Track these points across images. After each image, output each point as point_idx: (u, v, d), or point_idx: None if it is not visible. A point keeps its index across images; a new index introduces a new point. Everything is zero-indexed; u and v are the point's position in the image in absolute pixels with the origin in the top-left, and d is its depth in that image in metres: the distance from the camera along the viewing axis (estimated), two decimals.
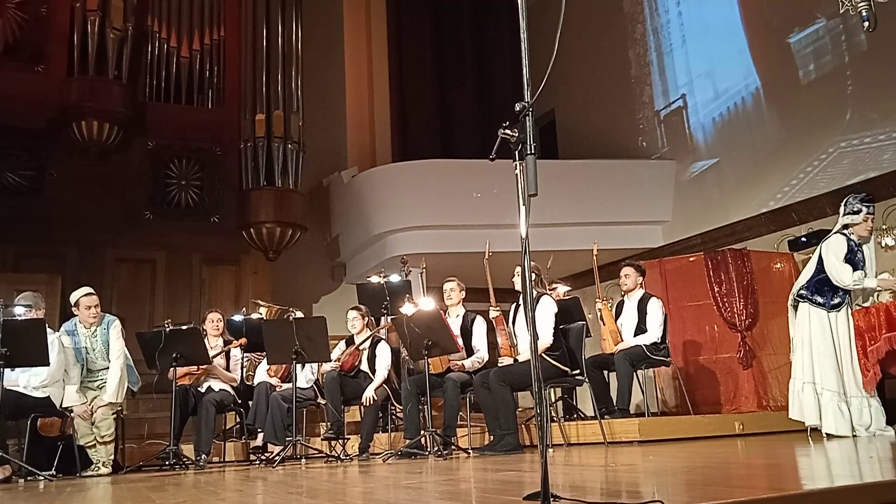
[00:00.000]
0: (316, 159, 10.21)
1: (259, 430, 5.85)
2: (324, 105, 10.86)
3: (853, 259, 4.75)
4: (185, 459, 5.45)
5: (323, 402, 6.03)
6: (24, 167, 8.59)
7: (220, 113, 9.60)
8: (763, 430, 5.67)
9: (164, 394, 5.76)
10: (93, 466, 5.15)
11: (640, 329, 5.93)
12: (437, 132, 12.29)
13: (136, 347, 5.58)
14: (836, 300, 4.80)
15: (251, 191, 9.37)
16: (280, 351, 5.58)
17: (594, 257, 6.34)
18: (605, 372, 6.06)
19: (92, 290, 5.45)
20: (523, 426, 5.56)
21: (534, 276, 5.25)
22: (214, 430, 5.85)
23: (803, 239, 7.76)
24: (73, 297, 5.43)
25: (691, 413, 6.14)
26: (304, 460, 5.53)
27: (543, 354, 5.14)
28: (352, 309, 6.08)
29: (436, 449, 5.01)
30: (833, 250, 4.78)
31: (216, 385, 5.92)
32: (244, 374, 6.35)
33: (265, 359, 6.05)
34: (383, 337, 6.24)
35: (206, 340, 5.89)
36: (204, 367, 5.82)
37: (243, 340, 6.25)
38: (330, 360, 5.78)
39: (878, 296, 4.92)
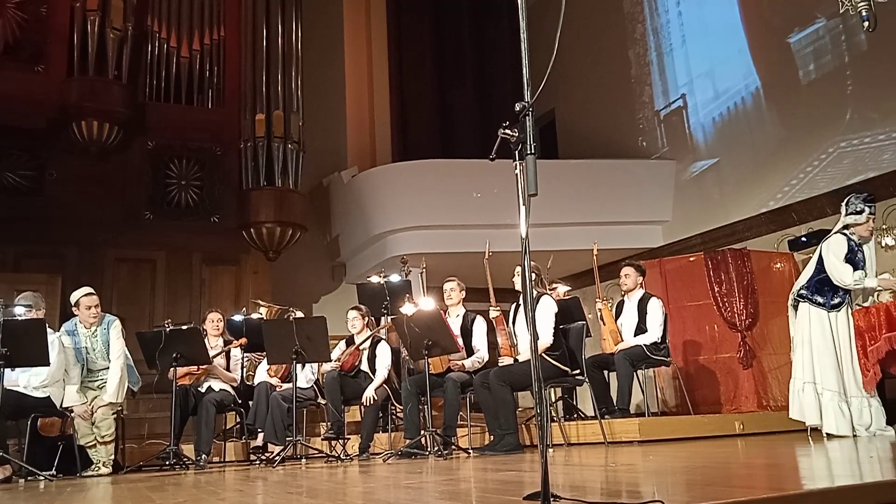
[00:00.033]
0: (316, 159, 10.21)
1: (259, 430, 5.85)
2: (324, 105, 10.86)
3: (853, 259, 4.76)
4: (185, 459, 5.45)
5: (323, 402, 6.03)
6: (24, 167, 8.58)
7: (220, 113, 9.60)
8: (763, 430, 5.67)
9: (164, 394, 5.76)
10: (93, 466, 5.16)
11: (641, 329, 5.93)
12: (437, 132, 12.29)
13: (136, 347, 5.58)
14: (837, 300, 4.80)
15: (251, 191, 9.37)
16: (280, 351, 5.58)
17: (594, 257, 6.34)
18: (606, 372, 6.07)
19: (92, 290, 5.45)
20: (523, 426, 5.56)
21: (534, 275, 5.25)
22: (214, 430, 5.85)
23: (803, 239, 7.76)
24: (74, 296, 5.43)
25: (691, 413, 6.14)
26: (304, 460, 5.53)
27: (543, 354, 5.14)
28: (352, 309, 6.08)
29: (436, 449, 5.01)
30: (833, 250, 4.78)
31: (216, 385, 5.92)
32: (244, 374, 6.35)
33: (265, 359, 6.05)
34: (383, 337, 6.24)
35: (206, 340, 5.89)
36: (204, 367, 5.82)
37: (243, 340, 6.25)
38: (330, 360, 5.78)
39: (878, 296, 4.92)
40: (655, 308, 5.92)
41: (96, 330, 5.39)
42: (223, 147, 9.54)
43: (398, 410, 6.07)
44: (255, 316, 7.16)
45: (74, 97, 8.61)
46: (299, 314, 6.41)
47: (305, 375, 6.08)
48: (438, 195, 9.32)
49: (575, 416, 6.46)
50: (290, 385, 5.69)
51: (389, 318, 6.50)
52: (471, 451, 5.19)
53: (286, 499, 2.87)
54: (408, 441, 5.31)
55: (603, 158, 10.10)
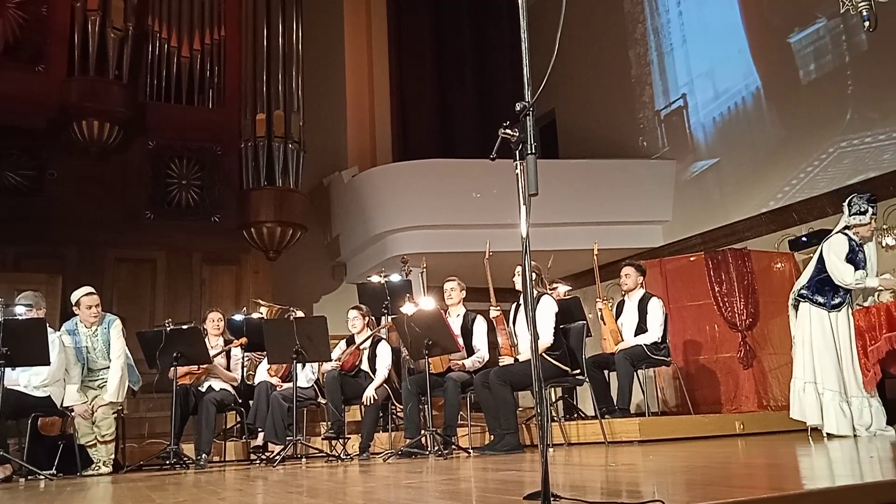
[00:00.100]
0: (316, 159, 10.21)
1: (259, 429, 5.85)
2: (324, 105, 10.86)
3: (854, 259, 4.76)
4: (185, 459, 5.45)
5: (323, 401, 6.03)
6: (25, 167, 8.59)
7: (221, 113, 9.60)
8: (763, 430, 5.67)
9: (164, 393, 5.76)
10: (93, 466, 5.16)
11: (641, 329, 5.93)
12: (437, 132, 12.28)
13: (136, 347, 5.58)
14: (837, 300, 4.80)
15: (251, 190, 9.37)
16: (280, 350, 5.58)
17: (594, 257, 6.34)
18: (606, 371, 6.07)
19: (93, 290, 5.46)
20: (524, 426, 5.56)
21: (534, 275, 5.24)
22: (215, 429, 5.85)
23: (804, 239, 7.76)
24: (74, 296, 5.43)
25: (691, 413, 6.14)
26: (304, 460, 5.53)
27: (544, 354, 5.14)
28: (352, 308, 6.08)
29: (436, 448, 5.01)
30: (834, 250, 4.79)
31: (217, 384, 5.92)
32: (245, 374, 6.35)
33: (266, 358, 6.05)
34: (384, 336, 6.24)
35: (206, 340, 5.89)
36: (204, 366, 5.82)
37: (244, 340, 6.25)
38: (330, 360, 5.78)
39: (878, 296, 4.92)
40: (656, 308, 5.92)
41: (97, 329, 5.39)
42: (223, 147, 9.54)
43: (398, 410, 6.08)
44: (255, 315, 7.16)
45: (75, 97, 8.61)
46: (300, 314, 6.41)
47: (306, 375, 6.08)
48: (438, 195, 9.32)
49: (575, 415, 6.46)
50: (290, 384, 5.69)
51: (390, 317, 6.50)
52: (471, 450, 5.19)
53: (286, 498, 2.88)
54: (408, 441, 5.32)
55: (603, 158, 10.10)
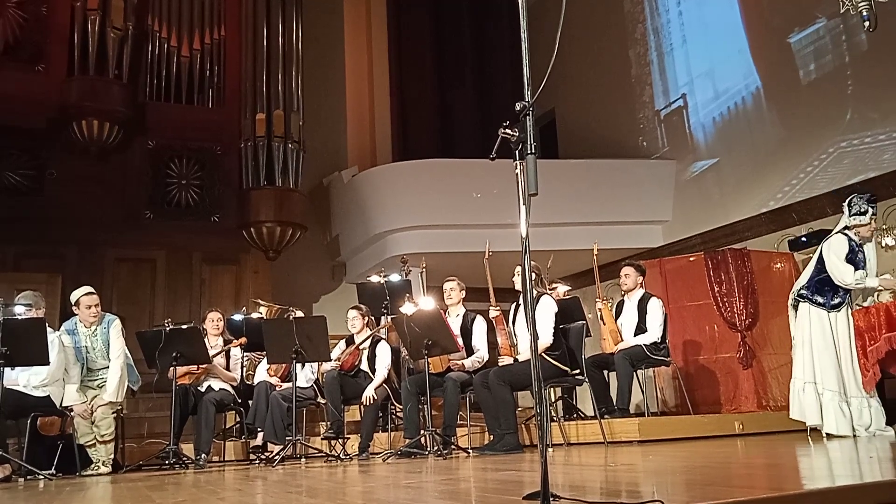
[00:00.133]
0: (316, 159, 10.21)
1: (259, 429, 5.85)
2: (324, 104, 10.86)
3: (854, 259, 4.76)
4: (184, 459, 5.45)
5: (323, 401, 6.03)
6: (25, 167, 8.58)
7: (221, 112, 9.60)
8: (763, 430, 5.67)
9: (163, 393, 5.76)
10: (93, 466, 5.15)
11: (640, 329, 5.93)
12: (437, 132, 12.28)
13: (136, 347, 5.58)
14: (837, 300, 4.80)
15: (251, 190, 9.37)
16: (280, 350, 5.58)
17: (594, 257, 6.34)
18: (605, 372, 6.07)
19: (92, 290, 5.45)
20: (523, 426, 5.56)
21: (534, 275, 5.24)
22: (214, 429, 5.85)
23: (803, 239, 7.76)
24: (74, 296, 5.43)
25: (691, 413, 6.14)
26: (303, 460, 5.53)
27: (543, 354, 5.14)
28: (352, 308, 6.08)
29: (436, 448, 5.01)
30: (834, 250, 4.79)
31: (216, 384, 5.92)
32: (244, 374, 6.35)
33: (265, 358, 6.05)
34: (383, 336, 6.24)
35: (206, 340, 5.89)
36: (204, 366, 5.82)
37: (243, 340, 6.25)
38: (330, 360, 5.78)
39: (878, 296, 4.92)
40: (655, 308, 5.92)
41: (96, 329, 5.39)
42: (223, 146, 9.54)
43: (398, 410, 6.07)
44: (255, 315, 7.16)
45: (74, 97, 8.61)
46: (299, 314, 6.41)
47: (305, 375, 6.08)
48: (438, 195, 9.32)
49: (575, 415, 6.45)
50: (289, 384, 5.69)
51: (389, 317, 6.50)
52: (470, 450, 5.19)
53: (286, 498, 2.87)
54: (407, 441, 5.31)
55: (603, 158, 10.10)
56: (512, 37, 12.10)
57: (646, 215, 9.74)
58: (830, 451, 3.71)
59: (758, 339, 6.66)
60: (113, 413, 5.29)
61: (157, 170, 9.19)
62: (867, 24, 5.00)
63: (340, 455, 5.46)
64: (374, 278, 7.21)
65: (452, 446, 5.18)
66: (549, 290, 6.00)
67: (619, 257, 8.48)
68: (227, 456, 6.16)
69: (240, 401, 6.09)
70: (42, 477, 4.78)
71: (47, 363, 4.96)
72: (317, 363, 5.98)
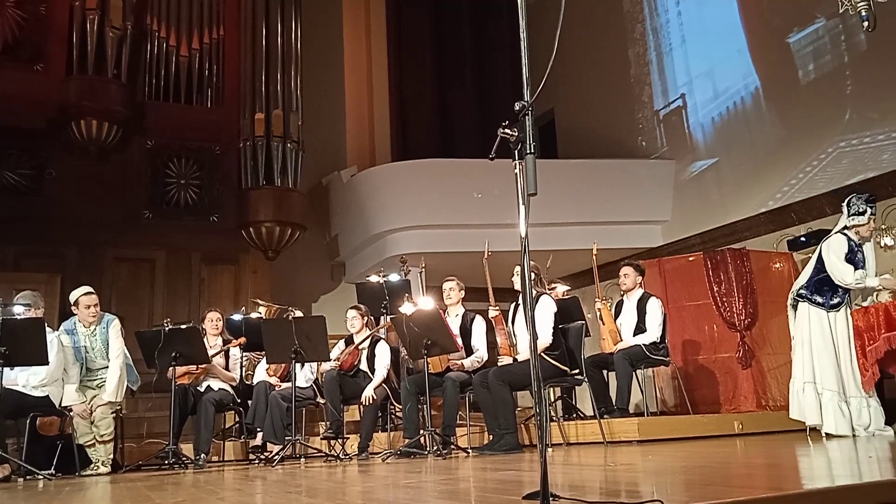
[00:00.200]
0: (315, 158, 10.21)
1: (258, 429, 5.85)
2: (323, 104, 10.86)
3: (853, 259, 4.77)
4: (184, 459, 5.45)
5: (322, 401, 6.03)
6: (24, 167, 8.58)
7: (220, 112, 9.59)
8: (762, 430, 5.67)
9: (163, 393, 5.76)
10: (92, 465, 5.15)
11: (640, 329, 5.93)
12: (436, 132, 12.28)
13: (135, 346, 5.57)
14: (836, 300, 4.80)
15: (250, 190, 9.36)
16: (279, 350, 5.58)
17: (593, 257, 6.34)
18: (605, 371, 6.07)
19: (91, 290, 5.45)
20: (522, 425, 5.56)
21: (533, 275, 5.25)
22: (214, 429, 5.85)
23: (802, 239, 7.77)
24: (73, 296, 5.43)
25: (690, 413, 6.15)
26: (303, 459, 5.53)
27: (543, 354, 5.14)
28: (351, 308, 6.08)
29: (435, 448, 5.01)
30: (834, 250, 4.79)
31: (215, 384, 5.92)
32: (243, 374, 6.35)
33: (264, 358, 6.05)
34: (383, 336, 6.24)
35: (205, 340, 5.89)
36: (203, 366, 5.81)
37: (242, 340, 6.25)
38: (329, 360, 5.77)
39: (877, 296, 4.92)
40: (654, 308, 5.93)
41: (95, 329, 5.38)
42: (222, 146, 9.54)
43: (397, 410, 6.07)
44: (254, 315, 7.16)
45: (74, 96, 8.60)
46: (298, 313, 6.41)
47: (304, 375, 6.08)
48: (438, 195, 9.32)
49: (574, 415, 6.45)
50: (289, 384, 5.69)
51: (389, 317, 6.50)
52: (470, 450, 5.18)
53: (285, 498, 2.87)
54: (407, 440, 5.31)
55: (602, 158, 10.10)
56: (512, 37, 12.10)
57: (645, 215, 9.75)
58: (830, 450, 3.71)
59: (757, 338, 6.66)
60: (112, 413, 5.28)
61: (156, 170, 9.19)
62: (866, 24, 5.00)
63: (340, 455, 5.46)
64: (374, 278, 7.21)
65: (452, 446, 5.18)
66: (549, 289, 6.00)
67: (619, 257, 8.49)
68: (226, 456, 6.16)
69: (239, 401, 6.09)
70: (41, 477, 4.78)
71: (46, 363, 4.96)
72: (316, 363, 5.98)
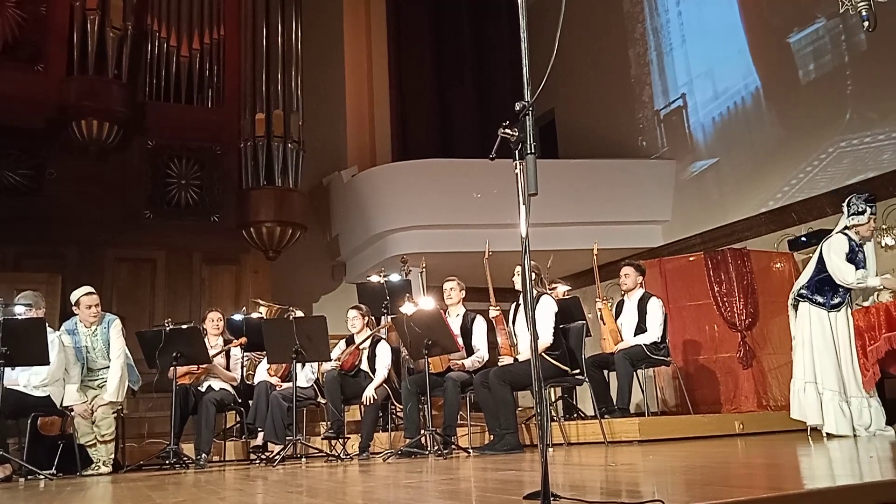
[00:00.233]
0: (316, 158, 10.21)
1: (259, 429, 5.85)
2: (323, 104, 10.86)
3: (854, 259, 4.76)
4: (185, 459, 5.45)
5: (323, 401, 6.03)
6: (24, 167, 8.58)
7: (220, 112, 9.60)
8: (763, 430, 5.67)
9: (164, 393, 5.76)
10: (93, 465, 5.16)
11: (640, 329, 5.93)
12: (436, 132, 12.28)
13: (136, 346, 5.58)
14: (837, 300, 4.80)
15: (251, 190, 9.37)
16: (280, 350, 5.58)
17: (594, 257, 6.34)
18: (605, 371, 6.07)
19: (92, 290, 5.45)
20: (523, 425, 5.56)
21: (534, 275, 5.24)
22: (214, 429, 5.86)
23: (803, 239, 7.77)
24: (74, 296, 5.43)
25: (691, 413, 6.14)
26: (304, 459, 5.53)
27: (543, 354, 5.14)
28: (352, 308, 6.08)
29: (436, 448, 5.01)
30: (834, 250, 4.79)
31: (216, 384, 5.92)
32: (244, 374, 6.35)
33: (265, 358, 6.05)
34: (383, 336, 6.24)
35: (206, 340, 5.89)
36: (204, 366, 5.82)
37: (243, 340, 6.25)
38: (330, 360, 5.78)
39: (878, 295, 4.92)
40: (655, 308, 5.93)
41: (96, 329, 5.39)
42: (223, 146, 9.54)
43: (398, 410, 6.08)
44: (255, 315, 7.16)
45: (74, 96, 8.61)
46: (299, 313, 6.41)
47: (305, 375, 6.08)
48: (438, 195, 9.32)
49: (575, 415, 6.46)
50: (290, 384, 5.69)
51: (389, 317, 6.50)
52: (471, 450, 5.19)
53: (286, 498, 2.88)
54: (408, 440, 5.32)
55: (603, 158, 10.10)
56: (511, 36, 12.10)
57: (645, 215, 9.75)
58: (830, 450, 3.71)
59: (758, 338, 6.66)
60: (113, 413, 5.29)
61: (156, 170, 9.20)
62: (866, 24, 5.00)
63: (341, 455, 5.46)
64: (374, 278, 7.21)
65: (452, 446, 5.18)
66: (549, 289, 6.00)
67: (619, 257, 8.49)
68: (227, 456, 6.16)
69: (240, 401, 6.10)
70: (42, 477, 4.78)
71: (47, 363, 4.96)
72: (317, 363, 5.98)
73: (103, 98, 8.69)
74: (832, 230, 5.03)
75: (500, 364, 5.39)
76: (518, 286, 5.54)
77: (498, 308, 5.62)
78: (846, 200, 4.96)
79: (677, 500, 2.01)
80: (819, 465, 3.13)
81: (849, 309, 4.84)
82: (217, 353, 6.00)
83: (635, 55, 10.53)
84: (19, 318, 5.10)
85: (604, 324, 6.14)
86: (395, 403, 6.06)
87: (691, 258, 7.21)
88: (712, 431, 5.55)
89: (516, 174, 2.19)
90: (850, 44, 7.65)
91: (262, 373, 6.17)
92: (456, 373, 5.43)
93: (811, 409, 4.73)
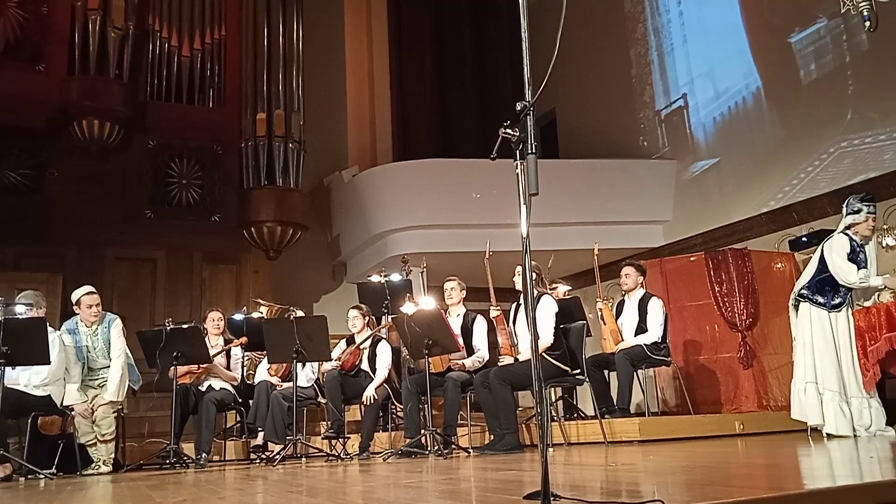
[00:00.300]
0: (317, 158, 10.21)
1: (259, 428, 5.85)
2: (324, 104, 10.86)
3: (855, 259, 4.76)
4: (185, 458, 5.45)
5: (323, 401, 6.04)
6: (25, 166, 8.59)
7: (221, 112, 9.60)
8: (763, 430, 5.67)
9: (164, 392, 5.77)
10: (93, 465, 5.16)
11: (641, 329, 5.93)
12: (437, 132, 12.29)
13: (136, 346, 5.58)
14: (837, 300, 4.80)
15: (252, 190, 9.37)
16: (281, 350, 5.58)
17: (595, 257, 6.34)
18: (606, 371, 6.07)
19: (93, 289, 5.46)
20: (523, 425, 5.56)
21: (534, 275, 5.25)
22: (215, 428, 5.86)
23: (804, 239, 7.76)
24: (75, 295, 5.43)
25: (691, 413, 6.14)
26: (304, 459, 5.53)
27: (544, 354, 5.14)
28: (352, 308, 6.08)
29: (436, 448, 5.01)
30: (836, 250, 4.79)
31: (217, 384, 5.92)
32: (245, 373, 6.36)
33: (266, 358, 6.05)
34: (384, 336, 6.24)
35: (206, 339, 5.90)
36: (204, 365, 5.82)
37: (244, 339, 6.25)
38: (330, 360, 5.78)
39: (878, 296, 4.92)
40: (656, 308, 5.92)
41: (97, 329, 5.39)
42: (224, 146, 9.55)
43: (398, 410, 6.08)
44: (255, 315, 7.16)
45: (75, 96, 8.61)
46: (300, 313, 6.42)
47: (306, 374, 6.08)
48: (439, 195, 9.32)
49: (575, 415, 6.46)
50: (290, 384, 5.69)
51: (390, 317, 6.50)
52: (471, 450, 5.19)
53: (286, 497, 2.88)
54: (408, 440, 5.32)
55: (603, 158, 10.10)
56: (512, 37, 12.10)
57: (646, 215, 9.74)
58: (831, 451, 3.71)
59: (758, 338, 6.66)
60: (114, 412, 5.29)
61: (157, 169, 9.20)
62: (868, 24, 4.99)
63: (341, 454, 5.46)
64: (375, 278, 7.21)
65: (453, 446, 5.19)
66: (550, 289, 6.00)
67: (620, 257, 8.48)
68: (227, 455, 6.17)
69: (240, 400, 6.10)
70: (43, 476, 4.79)
71: (48, 362, 4.97)
72: (317, 363, 5.98)
73: (104, 98, 8.69)
74: (833, 230, 5.03)
75: (500, 364, 5.39)
76: (518, 286, 5.54)
77: (498, 308, 5.63)
78: (846, 201, 4.96)
79: (677, 500, 2.01)
80: (819, 465, 3.13)
81: (849, 309, 4.84)
82: (217, 353, 6.00)
83: (636, 55, 10.53)
84: (20, 317, 5.10)
85: (604, 324, 6.14)
86: (396, 403, 6.06)
87: (692, 258, 7.21)
88: (712, 431, 5.55)
89: (517, 174, 2.19)
90: (852, 44, 7.64)
91: (263, 372, 6.17)
92: (456, 373, 5.43)
93: (812, 410, 4.73)
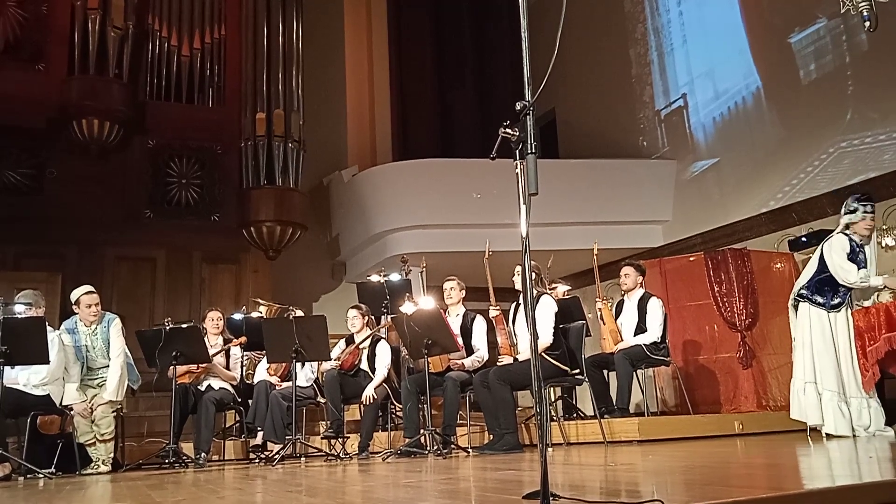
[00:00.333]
0: (316, 158, 10.21)
1: (259, 428, 5.85)
2: (324, 104, 10.86)
3: (855, 259, 4.76)
4: (184, 458, 5.45)
5: (323, 400, 6.03)
6: (25, 166, 8.59)
7: (221, 112, 9.60)
8: (762, 430, 5.67)
9: (163, 392, 5.76)
10: (92, 464, 5.16)
11: (640, 328, 5.93)
12: (437, 132, 12.29)
13: (136, 346, 5.58)
14: (837, 300, 4.80)
15: (251, 189, 9.37)
16: (280, 349, 5.58)
17: (594, 257, 6.34)
18: (605, 371, 6.07)
19: (92, 289, 5.46)
20: (523, 425, 5.56)
21: (534, 275, 5.24)
22: (214, 428, 5.86)
23: (803, 239, 7.76)
24: (74, 295, 5.43)
25: (691, 413, 6.14)
26: (303, 459, 5.53)
27: (543, 354, 5.14)
28: (352, 308, 6.08)
29: (435, 448, 5.01)
30: (835, 250, 4.79)
31: (216, 383, 5.92)
32: (244, 373, 6.35)
33: (265, 357, 6.05)
34: (383, 336, 6.24)
35: (205, 339, 5.90)
36: (204, 365, 5.82)
37: (243, 339, 6.25)
38: (330, 359, 5.78)
39: (878, 296, 4.92)
40: (655, 308, 5.92)
41: (96, 328, 5.39)
42: (223, 146, 9.55)
43: (398, 409, 6.08)
44: (254, 315, 7.15)
45: (75, 96, 8.61)
46: (299, 313, 6.41)
47: (305, 374, 6.08)
48: (438, 195, 9.32)
49: (574, 415, 6.45)
50: (289, 384, 5.69)
51: (389, 317, 6.50)
52: (470, 450, 5.19)
53: (285, 497, 2.88)
54: (407, 440, 5.32)
55: (603, 158, 10.10)
56: (512, 37, 12.10)
57: (646, 215, 9.75)
58: (830, 451, 3.71)
59: (758, 338, 6.66)
60: (113, 412, 5.29)
61: (157, 169, 9.20)
62: (868, 24, 4.99)
63: (340, 454, 5.47)
64: (375, 278, 7.21)
65: (452, 446, 5.19)
66: (549, 289, 6.00)
67: (619, 257, 8.48)
68: (226, 455, 6.17)
69: (240, 400, 6.10)
70: (42, 476, 4.79)
71: (47, 362, 4.97)
72: (317, 362, 5.98)
73: (104, 97, 8.69)
74: (833, 230, 5.03)
75: (499, 364, 5.38)
76: (518, 286, 5.54)
77: (498, 308, 5.62)
78: (845, 202, 4.97)
79: (677, 500, 2.01)
80: (818, 465, 3.13)
81: (849, 309, 4.84)
82: (217, 353, 6.00)
83: (636, 55, 10.53)
84: (19, 316, 5.10)
85: (604, 324, 6.14)
86: (395, 403, 6.06)
87: (691, 258, 7.21)
88: (712, 431, 5.55)
89: (517, 174, 2.19)
90: (852, 44, 7.65)
91: (262, 372, 6.17)
92: (456, 372, 5.43)
93: (811, 410, 4.73)
